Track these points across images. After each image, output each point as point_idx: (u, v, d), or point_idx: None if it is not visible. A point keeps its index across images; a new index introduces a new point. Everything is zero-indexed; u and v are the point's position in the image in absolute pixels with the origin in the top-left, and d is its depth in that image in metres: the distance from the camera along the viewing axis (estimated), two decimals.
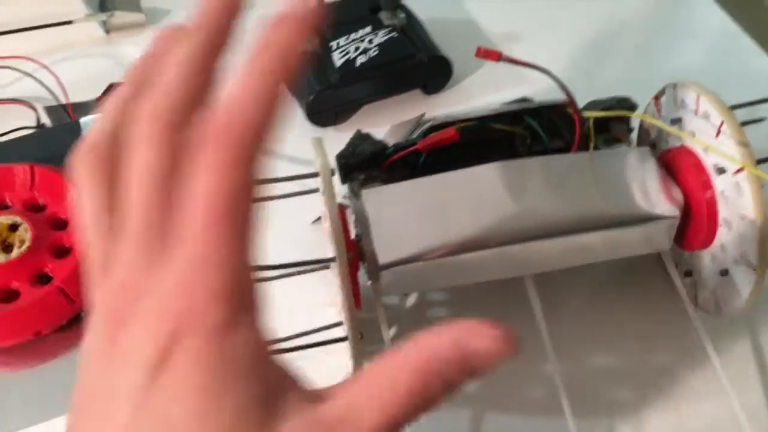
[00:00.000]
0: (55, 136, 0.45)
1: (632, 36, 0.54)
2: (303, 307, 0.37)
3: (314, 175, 0.32)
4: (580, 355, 0.37)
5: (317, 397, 0.19)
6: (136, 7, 0.56)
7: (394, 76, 0.48)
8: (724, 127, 0.31)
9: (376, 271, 0.33)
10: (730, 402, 0.33)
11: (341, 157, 0.36)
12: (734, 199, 0.32)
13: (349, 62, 0.46)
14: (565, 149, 0.37)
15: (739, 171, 0.31)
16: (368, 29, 0.49)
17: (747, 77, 0.51)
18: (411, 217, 0.33)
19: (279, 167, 0.41)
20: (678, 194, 0.34)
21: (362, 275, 0.34)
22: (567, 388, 0.33)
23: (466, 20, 0.55)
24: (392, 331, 0.37)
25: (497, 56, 0.35)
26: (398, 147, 0.37)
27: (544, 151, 0.37)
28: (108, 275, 0.19)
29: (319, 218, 0.38)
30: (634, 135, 0.39)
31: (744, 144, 0.31)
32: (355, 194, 0.35)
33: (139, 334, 0.18)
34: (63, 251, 0.37)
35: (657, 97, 0.37)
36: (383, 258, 0.32)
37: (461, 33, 0.53)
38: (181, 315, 0.17)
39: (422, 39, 0.49)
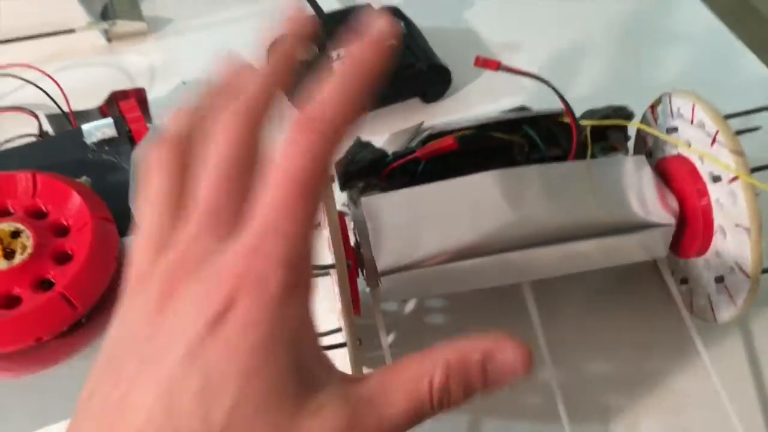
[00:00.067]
0: (57, 143, 0.45)
1: (630, 45, 0.54)
2: None
3: None
4: (577, 362, 0.37)
5: (352, 379, 0.20)
6: (137, 16, 0.56)
7: (393, 85, 0.48)
8: (719, 136, 0.32)
9: (374, 277, 0.33)
10: (725, 408, 0.33)
11: (341, 165, 0.36)
12: (729, 208, 0.32)
13: None
14: (562, 157, 0.38)
15: (733, 180, 0.31)
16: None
17: (743, 86, 0.51)
18: (409, 224, 0.33)
19: None
20: (674, 202, 0.34)
21: (361, 282, 0.35)
22: (563, 394, 0.33)
23: (466, 29, 0.56)
24: (391, 338, 0.38)
25: (496, 65, 0.35)
26: (397, 155, 0.37)
27: (542, 160, 0.38)
28: (164, 253, 0.20)
29: (318, 225, 0.38)
30: (631, 143, 0.40)
31: (739, 153, 0.31)
32: (354, 202, 0.36)
33: (199, 294, 0.19)
34: (65, 258, 0.37)
35: (653, 106, 0.37)
36: (382, 265, 0.32)
37: (460, 42, 0.54)
38: (244, 277, 0.18)
39: (422, 48, 0.50)
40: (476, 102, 0.50)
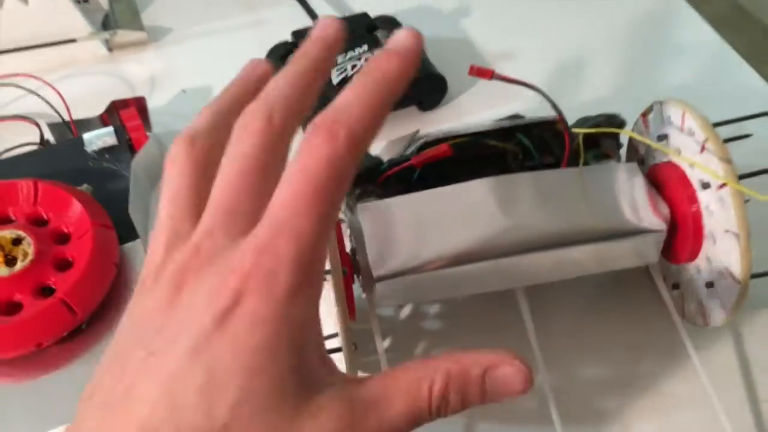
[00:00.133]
0: (58, 152, 0.46)
1: (624, 54, 0.55)
2: None
3: None
4: (570, 366, 0.37)
5: (354, 380, 0.21)
6: (138, 26, 0.57)
7: None
8: (708, 144, 0.32)
9: (370, 283, 0.33)
10: (715, 411, 0.33)
11: None
12: (718, 213, 0.33)
13: (347, 80, 0.47)
14: (555, 165, 0.38)
15: (722, 186, 0.32)
16: (365, 47, 0.50)
17: (736, 94, 0.51)
18: (405, 230, 0.34)
19: None
20: (665, 208, 0.35)
21: (358, 288, 0.35)
22: (556, 397, 0.33)
23: (461, 39, 0.56)
24: (386, 343, 0.38)
25: (490, 74, 0.36)
26: (393, 162, 0.37)
27: (535, 167, 0.38)
28: (177, 249, 0.20)
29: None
30: (624, 151, 0.40)
31: (727, 160, 0.32)
32: (350, 209, 0.36)
33: (208, 288, 0.19)
34: (65, 264, 0.38)
35: (645, 114, 0.38)
36: (377, 271, 0.33)
37: (456, 51, 0.54)
38: (252, 273, 0.19)
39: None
40: (472, 110, 0.51)
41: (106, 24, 0.57)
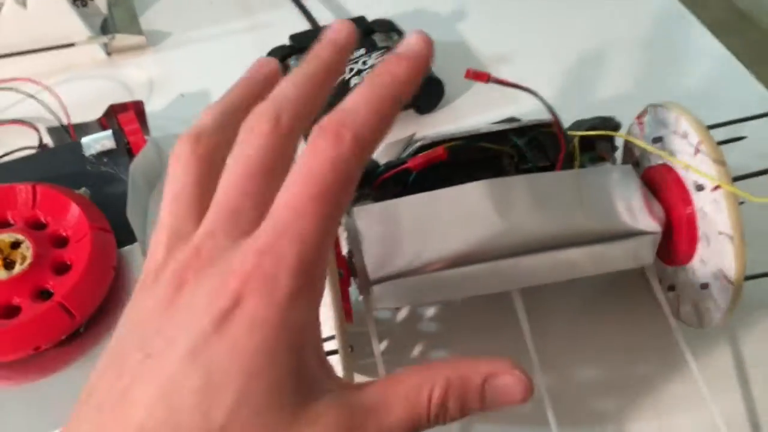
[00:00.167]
0: (57, 155, 0.46)
1: (619, 57, 0.55)
2: None
3: None
4: (565, 367, 0.37)
5: (352, 386, 0.20)
6: (136, 30, 0.57)
7: None
8: (702, 146, 0.32)
9: (366, 286, 0.34)
10: (711, 412, 0.34)
11: None
12: (713, 216, 0.33)
13: (344, 83, 0.48)
14: (550, 167, 0.38)
15: (716, 188, 0.32)
16: (362, 51, 0.50)
17: (733, 97, 0.52)
18: (401, 233, 0.34)
19: None
20: (660, 210, 0.35)
21: (355, 291, 0.35)
22: (552, 399, 0.33)
23: (459, 42, 0.57)
24: (383, 345, 0.38)
25: (486, 77, 0.36)
26: (389, 165, 0.38)
27: (531, 170, 0.39)
28: (179, 249, 0.20)
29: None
30: (620, 153, 0.41)
31: (720, 162, 0.32)
32: (347, 212, 0.36)
33: (208, 289, 0.19)
34: (64, 268, 0.38)
35: (640, 117, 0.38)
36: (373, 273, 0.33)
37: (453, 55, 0.55)
38: (253, 275, 0.18)
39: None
40: (468, 113, 0.51)
41: (105, 28, 0.57)
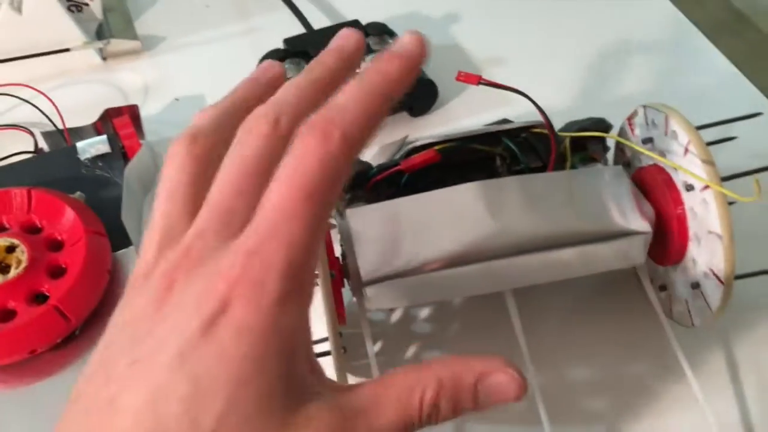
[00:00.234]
0: (52, 160, 0.46)
1: (611, 59, 0.55)
2: None
3: None
4: (558, 367, 0.38)
5: (343, 388, 0.20)
6: (131, 35, 0.58)
7: None
8: (691, 146, 0.33)
9: (359, 287, 0.34)
10: (703, 412, 0.34)
11: None
12: (702, 215, 0.33)
13: None
14: (542, 168, 0.39)
15: (705, 188, 0.32)
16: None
17: (725, 98, 0.52)
18: (393, 234, 0.34)
19: None
20: (650, 211, 0.35)
21: (348, 292, 0.35)
22: (544, 398, 0.34)
23: (452, 45, 0.57)
24: (377, 346, 0.39)
25: (476, 80, 0.36)
26: (382, 167, 0.38)
27: (523, 171, 0.39)
28: (169, 249, 0.20)
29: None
30: (612, 154, 0.41)
31: (709, 162, 0.32)
32: (340, 213, 0.37)
33: (196, 292, 0.18)
34: (59, 271, 0.38)
35: (630, 118, 0.38)
36: (366, 274, 0.33)
37: (447, 57, 0.55)
38: (240, 279, 0.18)
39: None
40: (462, 115, 0.51)
41: (100, 33, 0.57)
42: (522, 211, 0.34)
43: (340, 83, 0.21)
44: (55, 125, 0.48)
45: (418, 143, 0.39)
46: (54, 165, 0.45)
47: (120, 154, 0.45)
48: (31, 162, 0.46)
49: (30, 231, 0.40)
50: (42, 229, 0.40)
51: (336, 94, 0.20)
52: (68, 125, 0.48)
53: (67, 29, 0.54)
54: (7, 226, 0.40)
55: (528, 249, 0.34)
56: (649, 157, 0.36)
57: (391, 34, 0.53)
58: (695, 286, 0.35)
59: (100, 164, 0.45)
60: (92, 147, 0.45)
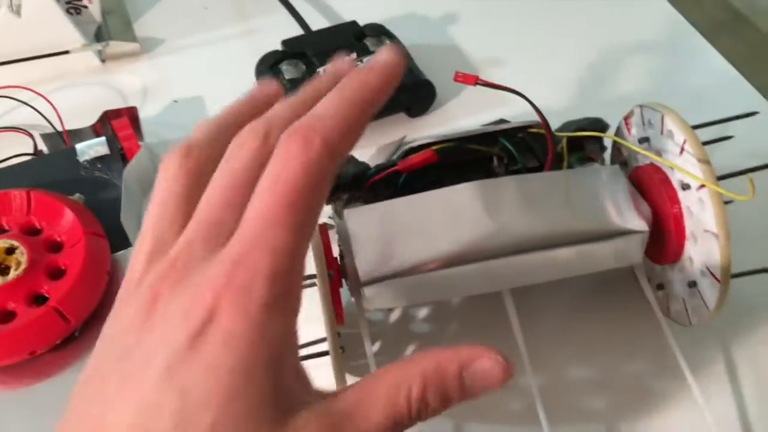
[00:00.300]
0: (52, 162, 0.46)
1: (608, 59, 0.55)
2: None
3: None
4: (556, 367, 0.38)
5: (329, 394, 0.20)
6: (130, 37, 0.58)
7: None
8: (687, 146, 0.33)
9: (357, 287, 0.34)
10: (702, 412, 0.34)
11: None
12: (698, 214, 0.33)
13: None
14: (539, 168, 0.39)
15: (701, 187, 0.32)
16: (354, 55, 0.50)
17: (723, 97, 0.52)
18: (391, 234, 0.34)
19: None
20: (647, 210, 0.35)
21: (346, 292, 0.36)
22: (543, 398, 0.34)
23: (450, 46, 0.57)
24: (376, 346, 0.39)
25: (473, 80, 0.37)
26: (379, 168, 0.38)
27: (520, 171, 0.39)
28: (159, 257, 0.20)
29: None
30: (609, 154, 0.41)
31: (705, 161, 0.32)
32: (338, 214, 0.37)
33: (183, 303, 0.18)
34: (58, 273, 0.38)
35: (627, 118, 0.38)
36: (364, 274, 0.33)
37: (445, 58, 0.55)
38: (226, 288, 0.18)
39: (406, 64, 0.51)
40: (460, 115, 0.51)
41: (99, 35, 0.57)
42: (519, 210, 0.35)
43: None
44: (54, 127, 0.49)
45: (416, 143, 0.39)
46: (53, 167, 0.46)
47: (119, 155, 0.46)
48: (31, 164, 0.46)
49: (29, 232, 0.40)
50: (41, 230, 0.40)
51: (317, 104, 0.21)
52: (67, 127, 0.48)
53: (66, 31, 0.54)
54: (7, 227, 0.40)
55: (525, 249, 0.34)
56: (645, 156, 0.36)
57: (389, 35, 0.53)
58: (692, 284, 0.35)
59: (99, 166, 0.45)
60: (91, 149, 0.45)
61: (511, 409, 0.36)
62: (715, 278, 0.33)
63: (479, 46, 0.56)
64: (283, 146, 0.19)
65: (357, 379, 0.36)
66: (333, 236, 0.36)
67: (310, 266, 0.35)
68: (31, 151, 0.48)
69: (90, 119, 0.48)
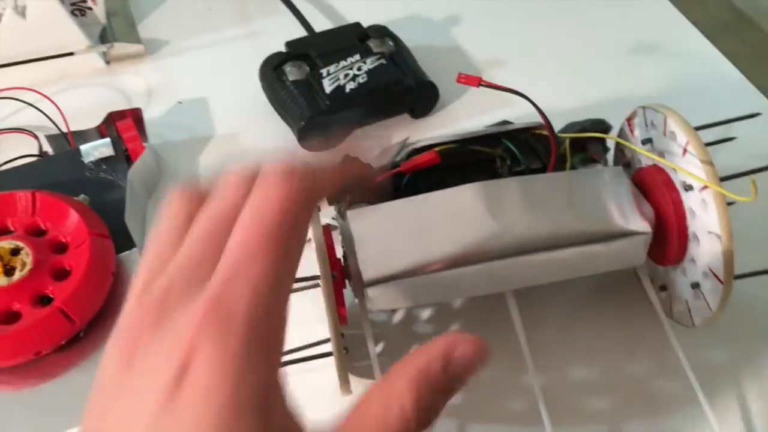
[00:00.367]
0: (56, 163, 0.47)
1: (613, 60, 0.56)
2: (294, 324, 0.39)
3: None
4: (559, 367, 0.38)
5: (323, 428, 0.19)
6: (135, 39, 0.58)
7: (382, 101, 0.50)
8: (689, 147, 0.33)
9: (361, 288, 0.34)
10: (704, 411, 0.34)
11: None
12: (701, 215, 0.33)
13: (339, 88, 0.48)
14: (542, 169, 0.39)
15: (704, 188, 0.32)
16: (357, 56, 0.50)
17: (726, 98, 0.52)
18: (394, 235, 0.34)
19: None
20: (650, 211, 0.35)
21: (349, 293, 0.36)
22: (546, 399, 0.34)
23: (453, 47, 0.57)
24: (380, 347, 0.39)
25: (476, 82, 0.37)
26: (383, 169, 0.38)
27: (523, 172, 0.39)
28: (143, 296, 0.20)
29: (309, 239, 0.40)
30: (611, 155, 0.41)
31: (707, 162, 0.32)
32: (341, 215, 0.37)
33: (161, 349, 0.18)
34: (63, 273, 0.39)
35: (630, 119, 0.38)
36: (367, 275, 0.34)
37: (448, 59, 0.55)
38: (203, 329, 0.17)
39: (410, 65, 0.51)
40: (463, 117, 0.51)
41: (104, 37, 0.57)
42: (522, 211, 0.35)
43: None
44: (59, 128, 0.49)
45: (419, 145, 0.39)
46: (58, 168, 0.46)
47: (123, 156, 0.46)
48: (36, 165, 0.47)
49: (34, 233, 0.40)
50: (46, 231, 0.40)
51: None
52: (72, 128, 0.49)
53: (70, 33, 0.54)
54: (12, 228, 0.40)
55: (528, 250, 0.34)
56: (648, 157, 0.36)
57: (392, 36, 0.53)
58: (695, 286, 0.35)
59: (103, 167, 0.45)
60: (96, 150, 0.45)
61: (514, 408, 0.36)
62: (718, 279, 0.33)
63: (482, 47, 0.57)
64: (263, 181, 0.20)
65: (361, 380, 0.37)
66: (336, 237, 0.36)
67: (314, 267, 0.35)
68: (36, 152, 0.48)
69: (94, 120, 0.48)
